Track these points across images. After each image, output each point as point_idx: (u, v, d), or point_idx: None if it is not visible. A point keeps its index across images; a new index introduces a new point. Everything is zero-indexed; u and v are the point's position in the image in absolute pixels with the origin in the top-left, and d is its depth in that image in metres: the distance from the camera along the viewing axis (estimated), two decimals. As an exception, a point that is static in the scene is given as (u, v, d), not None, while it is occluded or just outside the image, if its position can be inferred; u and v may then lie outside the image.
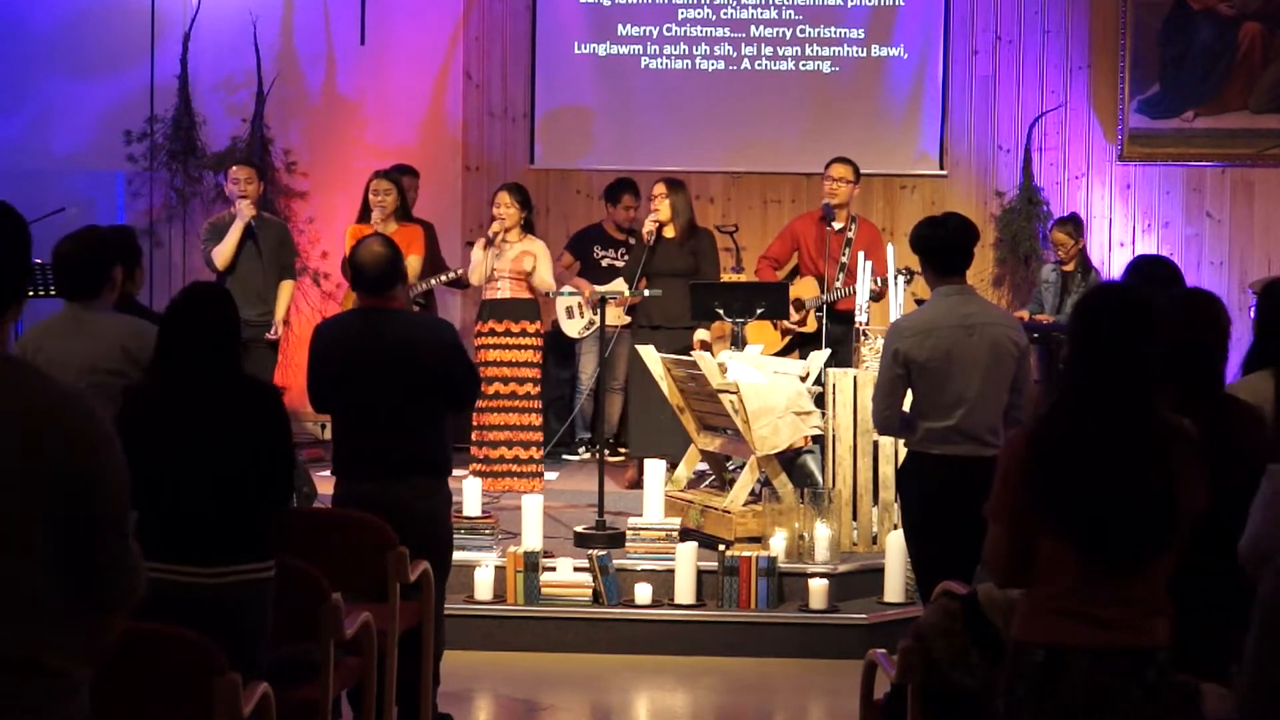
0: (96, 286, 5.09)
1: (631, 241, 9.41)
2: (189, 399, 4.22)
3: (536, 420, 8.60)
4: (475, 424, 8.59)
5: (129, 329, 5.06)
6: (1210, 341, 4.08)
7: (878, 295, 8.02)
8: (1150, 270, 5.18)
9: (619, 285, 8.79)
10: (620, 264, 9.46)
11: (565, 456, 9.81)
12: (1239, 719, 3.47)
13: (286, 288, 8.81)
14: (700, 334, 8.62)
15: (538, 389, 8.64)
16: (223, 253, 8.55)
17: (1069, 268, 9.71)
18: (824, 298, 8.63)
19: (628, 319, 9.02)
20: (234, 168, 8.84)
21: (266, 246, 8.62)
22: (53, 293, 8.53)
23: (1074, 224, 9.81)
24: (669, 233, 8.68)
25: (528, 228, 8.64)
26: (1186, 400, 3.82)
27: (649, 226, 8.65)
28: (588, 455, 9.78)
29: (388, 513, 5.15)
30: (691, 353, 7.94)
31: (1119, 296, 3.50)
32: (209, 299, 4.37)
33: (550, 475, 9.07)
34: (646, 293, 8.21)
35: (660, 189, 8.71)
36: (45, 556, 2.66)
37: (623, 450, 9.32)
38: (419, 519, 5.29)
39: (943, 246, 5.54)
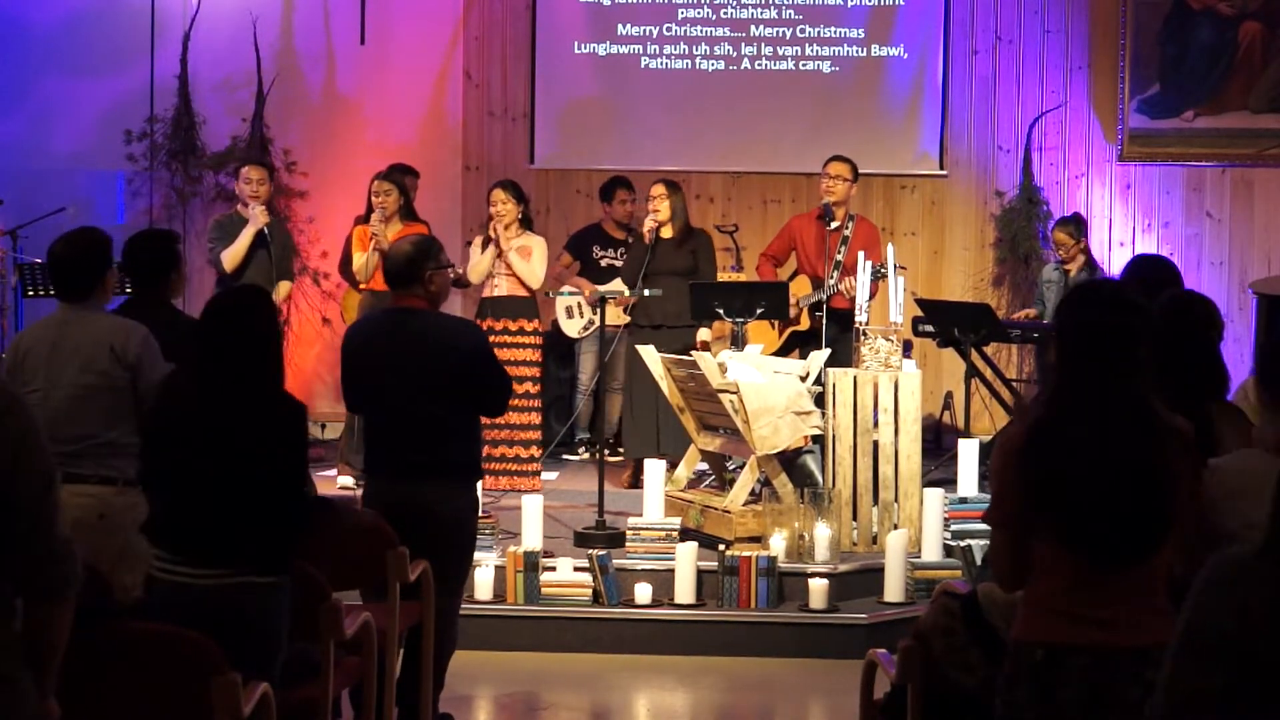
0: (87, 288, 5.09)
1: (630, 240, 9.40)
2: (215, 402, 4.21)
3: (536, 419, 8.57)
4: (475, 423, 8.60)
5: (115, 329, 5.07)
6: (1203, 343, 3.99)
7: (881, 275, 7.99)
8: (1149, 270, 5.16)
9: (619, 285, 8.79)
10: (620, 263, 9.44)
11: (565, 457, 9.81)
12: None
13: (284, 288, 8.75)
14: (702, 334, 8.61)
15: (538, 388, 8.62)
16: (234, 255, 8.38)
17: (1071, 268, 9.66)
18: (813, 295, 8.60)
19: (627, 319, 9.01)
20: (247, 168, 8.68)
21: (276, 251, 8.49)
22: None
23: (1075, 224, 9.76)
24: (666, 233, 8.67)
25: (526, 224, 8.64)
26: (1180, 405, 3.79)
27: (649, 225, 8.64)
28: (587, 455, 9.78)
29: (412, 514, 5.14)
30: (692, 353, 7.94)
31: (1104, 292, 3.47)
32: (248, 303, 4.36)
33: (550, 475, 9.07)
34: (647, 292, 8.20)
35: (660, 190, 8.68)
36: None
37: (621, 451, 9.31)
38: (443, 522, 5.29)
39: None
